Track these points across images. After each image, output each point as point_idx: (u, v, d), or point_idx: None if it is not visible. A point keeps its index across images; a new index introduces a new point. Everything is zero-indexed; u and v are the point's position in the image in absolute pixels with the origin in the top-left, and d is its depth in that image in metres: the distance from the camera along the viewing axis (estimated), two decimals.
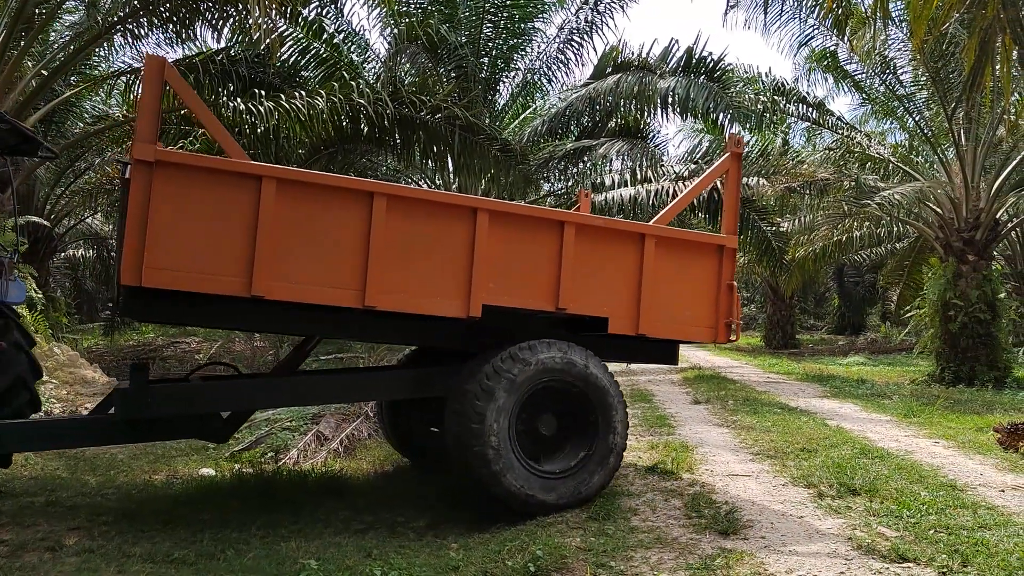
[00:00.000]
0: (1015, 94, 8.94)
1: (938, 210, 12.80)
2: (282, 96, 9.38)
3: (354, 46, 12.57)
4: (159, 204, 4.45)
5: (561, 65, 13.12)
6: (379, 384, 5.80)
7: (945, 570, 4.16)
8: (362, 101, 9.58)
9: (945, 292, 12.07)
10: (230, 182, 4.66)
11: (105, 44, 11.36)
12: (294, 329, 5.84)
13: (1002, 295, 12.38)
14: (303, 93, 9.60)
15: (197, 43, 11.33)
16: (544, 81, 13.74)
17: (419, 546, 4.81)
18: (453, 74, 12.05)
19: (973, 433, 7.79)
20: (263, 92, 9.52)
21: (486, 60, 12.56)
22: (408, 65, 12.13)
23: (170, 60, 5.79)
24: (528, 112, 14.87)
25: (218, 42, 10.84)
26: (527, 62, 13.24)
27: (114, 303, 5.14)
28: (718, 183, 6.85)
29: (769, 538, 4.77)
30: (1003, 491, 5.72)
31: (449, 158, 11.35)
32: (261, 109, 9.07)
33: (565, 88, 13.34)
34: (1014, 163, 12.22)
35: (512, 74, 13.34)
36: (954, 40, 10.00)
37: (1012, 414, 8.42)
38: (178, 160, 4.65)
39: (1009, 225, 13.75)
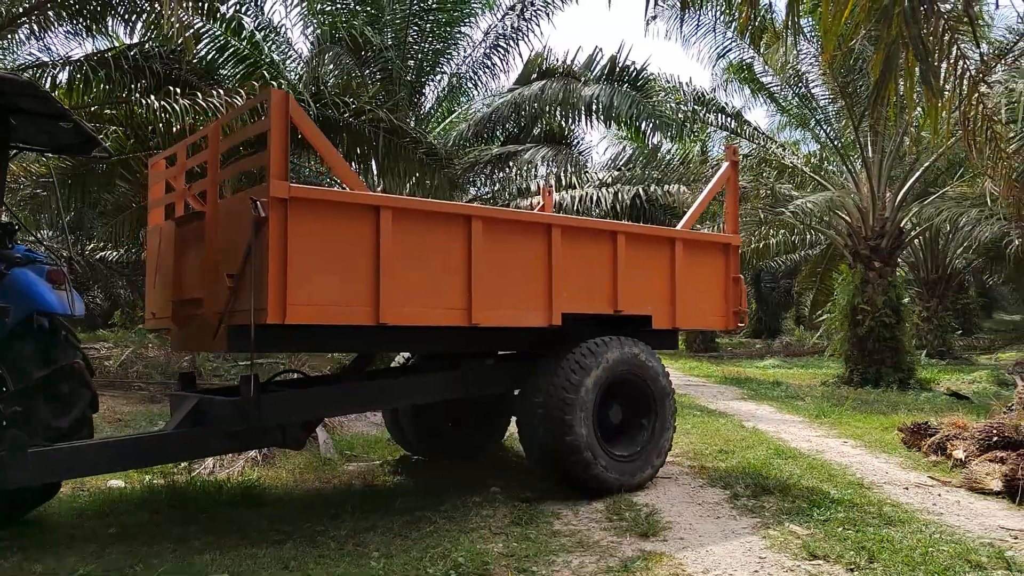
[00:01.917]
0: (918, 108, 9.37)
1: (847, 219, 13.32)
2: (199, 94, 9.10)
3: (275, 45, 12.31)
4: (296, 241, 4.49)
5: (487, 70, 13.16)
6: (438, 384, 5.91)
7: (853, 567, 4.31)
8: None
9: (853, 297, 12.56)
10: (353, 214, 4.76)
11: (9, 36, 10.83)
12: (410, 347, 5.96)
13: (906, 300, 12.96)
14: (221, 91, 9.34)
15: (108, 37, 10.91)
16: (470, 86, 13.76)
17: (339, 556, 4.71)
18: (378, 76, 11.94)
19: (879, 433, 8.12)
20: (179, 90, 9.23)
21: (412, 63, 12.48)
22: (331, 66, 11.95)
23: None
24: (454, 116, 14.85)
25: (131, 37, 10.46)
26: (453, 66, 13.23)
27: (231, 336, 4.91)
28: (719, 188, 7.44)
29: (687, 539, 4.87)
30: (907, 488, 5.98)
31: (373, 161, 11.22)
32: (176, 107, 8.79)
33: (491, 93, 13.39)
34: (917, 175, 12.81)
35: (438, 78, 13.30)
36: (862, 56, 10.44)
37: (915, 414, 8.82)
38: (309, 196, 4.66)
39: (912, 233, 14.42)
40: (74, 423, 5.09)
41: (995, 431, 6.38)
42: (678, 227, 6.82)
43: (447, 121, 14.59)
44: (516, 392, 6.11)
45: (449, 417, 7.05)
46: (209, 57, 11.09)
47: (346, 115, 9.98)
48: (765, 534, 4.91)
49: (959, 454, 6.51)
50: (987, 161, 8.17)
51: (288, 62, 12.55)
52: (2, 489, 4.42)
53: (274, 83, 9.73)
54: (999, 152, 7.89)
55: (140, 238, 11.51)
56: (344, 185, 5.14)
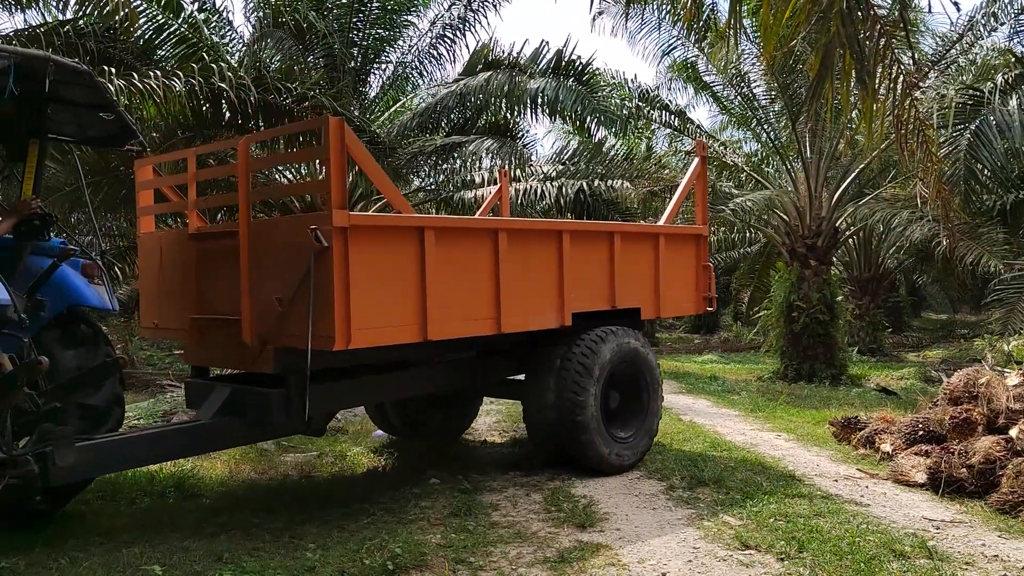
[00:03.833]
0: (854, 111, 9.63)
1: (785, 217, 13.61)
2: (135, 75, 8.81)
3: (216, 27, 11.99)
4: (357, 268, 4.60)
5: (433, 60, 13.01)
6: (444, 375, 6.11)
7: (783, 556, 4.42)
8: (223, 85, 9.13)
9: (789, 295, 12.84)
10: (402, 237, 4.95)
11: None
12: (447, 356, 6.07)
13: (840, 298, 13.30)
14: (158, 73, 9.06)
15: (41, 11, 10.48)
16: (416, 75, 13.59)
17: (274, 548, 4.64)
18: (322, 63, 11.72)
19: (811, 427, 8.32)
20: (114, 69, 8.91)
21: (356, 51, 12.28)
22: (274, 50, 11.69)
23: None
24: (399, 105, 14.68)
25: (63, 12, 10.06)
26: (399, 55, 13.04)
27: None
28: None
29: (624, 530, 4.93)
30: (836, 480, 6.15)
31: (314, 143, 11.03)
32: (111, 87, 8.48)
33: (436, 83, 13.25)
34: (852, 176, 13.16)
35: (383, 66, 13.10)
36: (801, 57, 10.67)
37: (846, 409, 9.06)
38: (366, 223, 4.83)
39: (847, 233, 14.81)
40: (106, 417, 5.06)
41: (920, 426, 6.59)
42: (660, 222, 7.35)
43: (392, 110, 14.40)
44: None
45: (430, 403, 7.17)
46: (147, 37, 10.74)
47: (288, 101, 9.78)
48: (699, 525, 5.00)
49: (886, 448, 6.72)
50: (918, 164, 8.44)
51: (229, 45, 12.25)
52: (51, 485, 4.29)
53: (214, 66, 9.47)
54: (930, 156, 8.15)
55: (72, 220, 11.12)
56: (392, 208, 5.28)
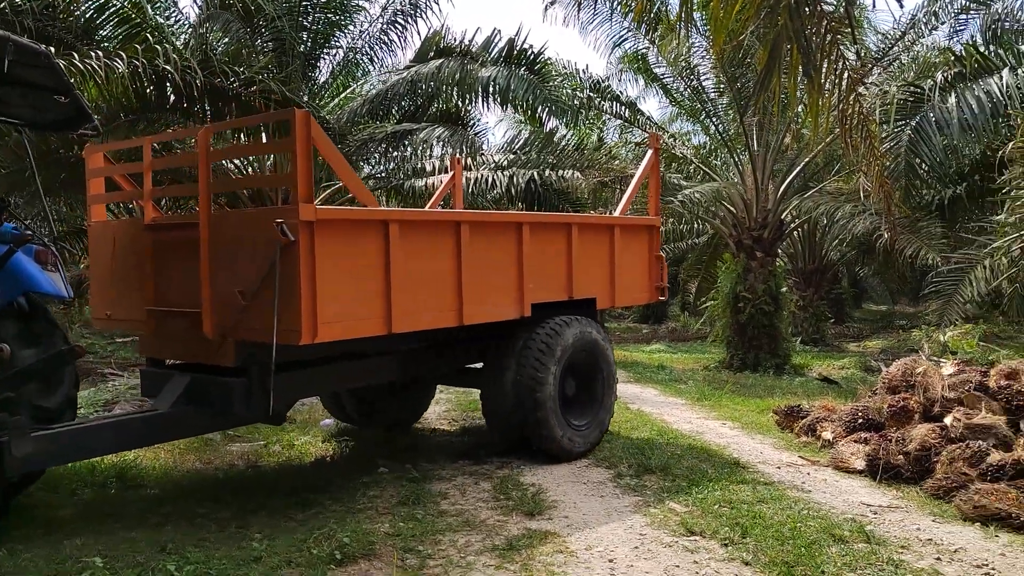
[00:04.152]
0: (800, 105, 9.83)
1: (732, 209, 13.82)
2: (75, 55, 8.52)
3: (161, 8, 11.67)
4: (323, 262, 4.61)
5: (384, 46, 12.84)
6: (400, 364, 6.07)
7: (727, 542, 4.51)
8: (168, 67, 8.89)
9: (736, 285, 13.05)
10: (367, 230, 4.96)
11: None
12: (408, 346, 6.07)
13: (784, 289, 13.57)
14: (100, 53, 8.78)
15: None
16: (367, 61, 13.41)
17: (220, 538, 4.58)
18: (270, 47, 11.50)
19: (755, 415, 8.49)
20: (53, 49, 8.61)
21: (306, 35, 12.08)
22: (221, 33, 11.43)
23: None
24: (349, 92, 14.49)
25: None
26: (349, 40, 12.87)
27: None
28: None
29: (572, 517, 4.98)
30: (779, 467, 6.29)
31: (264, 134, 10.83)
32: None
33: (388, 70, 13.11)
34: (798, 169, 13.42)
35: (334, 51, 12.90)
36: (750, 51, 10.82)
37: (789, 398, 9.26)
38: (332, 216, 4.81)
39: (792, 225, 15.11)
40: (62, 405, 4.94)
41: (860, 414, 6.78)
42: (615, 214, 7.50)
43: (342, 96, 14.22)
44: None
45: (386, 390, 7.17)
46: (87, 16, 10.40)
47: (235, 84, 9.58)
48: (646, 512, 5.08)
49: (827, 435, 6.89)
50: (861, 158, 8.64)
51: (175, 26, 11.94)
52: (8, 476, 4.19)
53: (158, 47, 9.21)
54: (873, 150, 8.35)
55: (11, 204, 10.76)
56: (357, 201, 5.35)
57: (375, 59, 13.28)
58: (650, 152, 7.87)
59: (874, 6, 11.21)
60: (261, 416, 5.21)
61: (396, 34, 12.82)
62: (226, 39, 11.46)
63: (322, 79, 13.19)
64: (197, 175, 4.94)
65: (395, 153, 13.55)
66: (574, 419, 6.41)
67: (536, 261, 6.11)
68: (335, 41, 12.67)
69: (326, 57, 12.83)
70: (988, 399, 6.17)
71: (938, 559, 4.34)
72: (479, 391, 6.49)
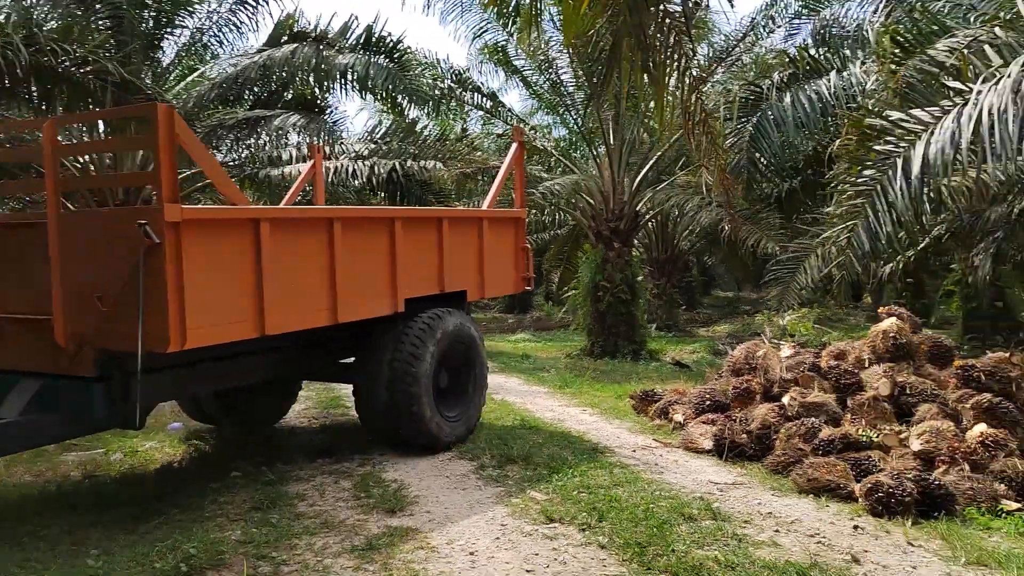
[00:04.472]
0: (651, 100, 10.17)
1: (591, 201, 14.18)
2: None
3: None
4: (191, 264, 4.40)
5: (234, 28, 12.27)
6: (271, 362, 5.97)
7: (585, 526, 4.63)
8: None
9: (595, 275, 13.43)
10: (236, 229, 4.79)
11: None
12: (281, 344, 5.81)
13: (640, 278, 14.11)
14: None
15: None
16: (216, 43, 12.77)
17: (51, 557, 4.25)
18: (108, 24, 10.74)
19: (614, 401, 8.76)
20: None
21: (148, 13, 11.35)
22: (49, 8, 10.56)
23: None
24: (197, 75, 13.75)
25: None
26: (196, 20, 12.22)
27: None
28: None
29: (434, 512, 4.95)
30: (634, 451, 6.51)
31: (100, 119, 10.11)
32: None
33: (238, 53, 12.53)
34: (651, 163, 13.94)
35: (179, 32, 12.22)
36: (604, 46, 11.10)
37: (644, 382, 9.62)
38: (199, 216, 4.61)
39: (647, 217, 15.69)
40: None
41: (708, 396, 7.13)
42: (483, 206, 7.59)
43: (189, 79, 13.48)
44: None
45: (250, 388, 6.81)
46: None
47: (67, 63, 8.87)
48: (508, 502, 5.12)
49: (678, 418, 7.20)
50: (703, 154, 9.06)
51: None
52: None
53: None
54: (715, 146, 8.77)
55: None
56: (226, 199, 5.13)
57: (225, 42, 12.67)
58: (515, 145, 8.02)
59: (707, 6, 11.78)
60: (121, 422, 4.94)
61: (247, 16, 12.28)
62: (56, 14, 10.60)
63: (167, 61, 12.46)
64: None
65: (249, 141, 13.00)
66: (447, 411, 6.43)
67: (409, 256, 6.10)
68: (180, 20, 11.98)
69: (170, 37, 12.12)
70: (820, 379, 6.64)
71: (777, 531, 4.62)
72: (351, 386, 6.39)
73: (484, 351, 7.01)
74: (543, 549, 4.32)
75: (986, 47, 6.67)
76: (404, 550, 4.30)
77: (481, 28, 14.34)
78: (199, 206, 5.42)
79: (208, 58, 13.41)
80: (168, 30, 11.89)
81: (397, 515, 4.89)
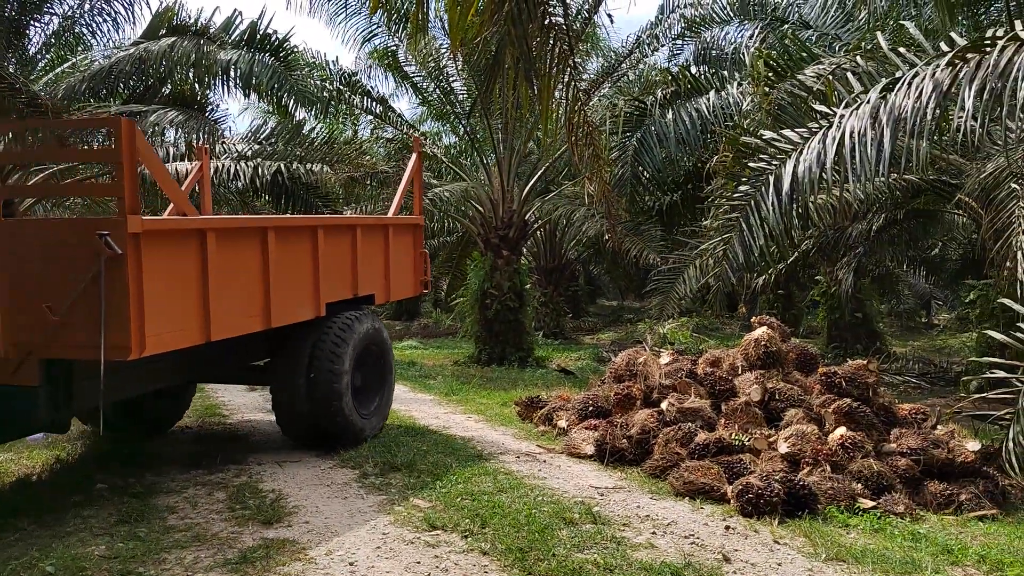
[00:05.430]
0: (532, 111, 10.32)
1: (480, 209, 14.24)
2: None
3: None
4: (150, 274, 4.52)
5: (109, 18, 11.70)
6: (194, 363, 6.03)
7: (467, 533, 4.63)
8: None
9: (484, 283, 13.48)
10: (186, 239, 4.94)
11: None
12: (222, 352, 5.97)
13: (528, 286, 14.24)
14: None
15: None
16: (88, 33, 12.13)
17: None
18: None
19: (499, 407, 8.81)
20: None
21: None
22: None
23: None
24: (67, 66, 12.98)
25: None
26: (66, 8, 11.57)
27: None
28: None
29: (313, 522, 4.84)
30: (518, 457, 6.57)
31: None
32: None
33: (112, 45, 11.92)
34: (539, 173, 14.14)
35: (47, 19, 11.52)
36: (490, 54, 11.21)
37: (530, 389, 9.73)
38: (156, 227, 4.74)
39: (535, 226, 15.89)
40: None
41: (591, 402, 7.28)
42: (389, 214, 7.92)
43: (59, 70, 12.70)
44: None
45: (152, 392, 6.63)
46: None
47: None
48: (390, 510, 5.07)
49: (562, 424, 7.32)
50: (586, 166, 9.28)
51: None
52: None
53: None
54: (598, 159, 8.99)
55: None
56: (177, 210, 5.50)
57: (98, 32, 12.05)
58: (414, 155, 8.41)
59: (590, 19, 12.09)
60: (55, 426, 5.03)
61: (123, 6, 11.73)
62: None
63: (33, 49, 11.71)
64: None
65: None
66: (363, 407, 6.73)
67: (329, 262, 6.41)
68: (48, 7, 11.31)
69: (37, 24, 11.41)
70: (697, 385, 6.90)
71: (654, 533, 4.76)
72: (269, 386, 6.64)
73: (392, 350, 7.39)
74: (425, 557, 4.30)
75: (849, 74, 7.14)
76: (280, 563, 4.18)
77: (370, 32, 14.16)
78: (156, 217, 5.75)
79: (80, 49, 12.71)
80: (35, 16, 11.20)
81: (274, 526, 4.75)
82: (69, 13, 11.65)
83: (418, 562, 4.23)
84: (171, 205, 7.41)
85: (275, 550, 4.33)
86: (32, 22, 11.25)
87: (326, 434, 6.41)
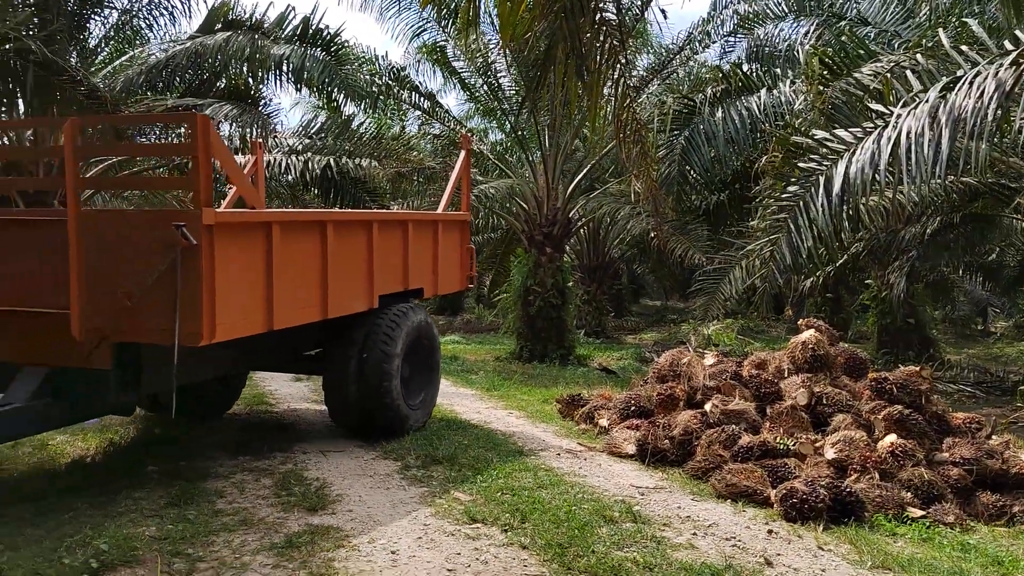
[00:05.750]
0: (581, 107, 10.28)
1: (525, 206, 14.26)
2: None
3: None
4: (221, 264, 4.71)
5: (166, 12, 11.96)
6: (256, 351, 6.20)
7: (507, 527, 4.65)
8: None
9: (527, 279, 13.50)
10: (254, 231, 5.14)
11: None
12: (279, 342, 6.14)
13: (571, 284, 14.21)
14: None
15: None
16: (145, 27, 12.41)
17: None
18: (32, 2, 10.32)
19: (540, 404, 8.82)
20: None
21: None
22: None
23: None
24: (126, 59, 13.31)
25: None
26: (125, 3, 11.83)
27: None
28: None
29: (356, 511, 4.90)
30: (559, 454, 6.57)
31: (21, 99, 9.69)
32: None
33: (169, 39, 12.19)
34: (585, 170, 14.11)
35: (107, 13, 11.82)
36: (540, 49, 11.18)
37: (571, 387, 9.71)
38: (227, 220, 4.92)
39: (579, 223, 15.86)
40: None
41: (633, 402, 7.24)
42: (439, 210, 8.16)
43: (117, 63, 13.04)
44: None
45: (213, 379, 6.92)
46: None
47: None
48: (432, 502, 5.11)
49: (604, 422, 7.30)
50: (634, 164, 9.22)
51: None
52: None
53: None
54: (646, 157, 8.94)
55: None
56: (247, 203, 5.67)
57: (156, 26, 12.31)
58: (463, 152, 8.53)
59: (643, 15, 11.99)
60: (128, 408, 5.47)
61: (179, 0, 11.95)
62: None
63: (93, 43, 12.02)
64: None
65: (179, 129, 12.64)
66: (411, 399, 6.84)
67: (382, 255, 6.55)
68: (108, 2, 11.59)
69: (97, 18, 11.71)
70: (742, 387, 6.82)
71: (694, 534, 4.73)
72: (321, 376, 6.78)
73: (440, 348, 7.54)
74: (465, 549, 4.33)
75: (908, 72, 6.98)
76: (324, 548, 4.24)
77: (420, 27, 14.25)
78: (227, 210, 6.06)
79: (138, 43, 13.01)
80: (96, 10, 11.49)
81: (318, 513, 4.83)
82: (128, 7, 11.92)
83: (458, 553, 4.26)
84: (227, 197, 7.66)
85: (319, 536, 4.40)
86: (93, 15, 11.54)
87: (373, 418, 6.53)
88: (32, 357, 4.95)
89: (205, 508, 4.82)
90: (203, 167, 4.61)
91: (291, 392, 9.10)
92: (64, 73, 9.02)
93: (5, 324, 4.99)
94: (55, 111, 8.98)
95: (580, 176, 14.06)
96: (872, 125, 6.52)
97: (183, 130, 11.89)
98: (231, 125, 12.18)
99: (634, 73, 12.91)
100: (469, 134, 8.93)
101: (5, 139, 10.99)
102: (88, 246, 4.70)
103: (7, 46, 8.68)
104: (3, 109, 10.58)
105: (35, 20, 10.13)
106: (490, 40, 13.67)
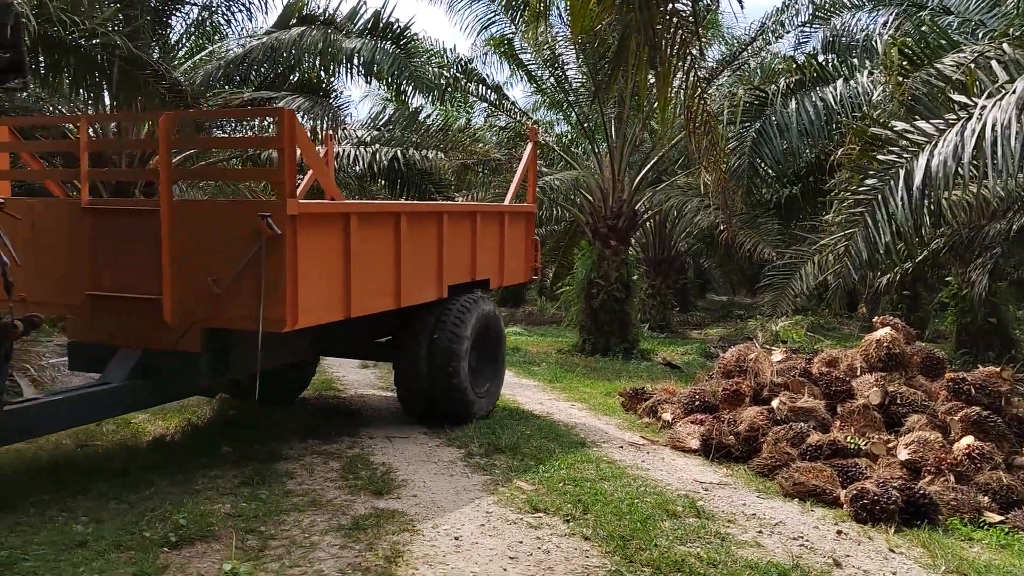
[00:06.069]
0: (654, 99, 10.15)
1: (590, 198, 14.18)
2: None
3: None
4: (304, 253, 4.89)
5: (243, 8, 12.28)
6: (330, 337, 6.50)
7: (569, 518, 4.67)
8: None
9: (590, 272, 13.44)
10: (334, 222, 5.31)
11: None
12: (354, 330, 6.30)
13: (635, 277, 14.10)
14: None
15: None
16: (223, 23, 12.78)
17: (40, 522, 4.27)
18: None
19: (603, 397, 8.80)
20: None
21: None
22: None
23: None
24: (205, 53, 13.73)
25: None
26: None
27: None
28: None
29: (420, 496, 4.99)
30: (622, 447, 6.55)
31: (107, 92, 10.08)
32: None
33: (247, 34, 12.52)
34: (652, 162, 13.96)
35: (187, 9, 12.21)
36: (611, 43, 11.10)
37: (634, 381, 9.65)
38: (309, 210, 5.09)
39: (645, 216, 15.72)
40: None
41: (697, 397, 7.17)
42: (505, 201, 8.20)
43: (197, 58, 13.46)
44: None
45: (288, 365, 7.19)
46: None
47: (75, 35, 8.85)
48: (494, 490, 5.16)
49: (667, 416, 7.25)
50: (704, 155, 9.08)
51: None
52: None
53: None
54: (716, 148, 8.79)
55: None
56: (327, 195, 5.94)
57: (233, 21, 12.67)
58: (530, 144, 8.62)
59: (718, 6, 11.78)
60: (214, 390, 5.79)
61: None
62: None
63: (175, 38, 12.44)
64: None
65: (253, 121, 12.98)
66: (477, 386, 6.94)
67: (452, 246, 6.68)
68: None
69: (179, 14, 12.11)
70: (811, 384, 6.68)
71: (760, 532, 4.66)
72: (390, 363, 6.97)
73: (505, 339, 7.65)
74: (527, 538, 4.36)
75: (993, 63, 6.71)
76: (390, 531, 4.33)
77: (488, 19, 14.30)
78: (309, 201, 6.13)
79: (216, 38, 13.41)
80: (177, 6, 11.88)
81: (384, 497, 4.93)
82: (207, 3, 12.30)
83: (520, 542, 4.30)
84: (299, 187, 7.84)
85: (385, 519, 4.50)
86: (174, 12, 11.93)
87: (440, 401, 6.65)
88: (127, 340, 5.22)
89: (276, 488, 4.98)
90: (288, 159, 4.78)
91: (358, 378, 9.28)
92: (147, 67, 9.35)
93: (102, 308, 5.25)
94: (139, 105, 9.31)
95: (647, 168, 13.92)
96: (955, 117, 6.29)
97: (256, 123, 12.26)
98: (303, 117, 12.44)
99: (704, 64, 12.71)
100: (535, 126, 8.92)
101: (91, 131, 11.43)
102: (179, 235, 4.91)
103: (94, 41, 9.04)
104: (91, 102, 11.04)
105: (120, 16, 10.52)
106: (557, 32, 13.63)
